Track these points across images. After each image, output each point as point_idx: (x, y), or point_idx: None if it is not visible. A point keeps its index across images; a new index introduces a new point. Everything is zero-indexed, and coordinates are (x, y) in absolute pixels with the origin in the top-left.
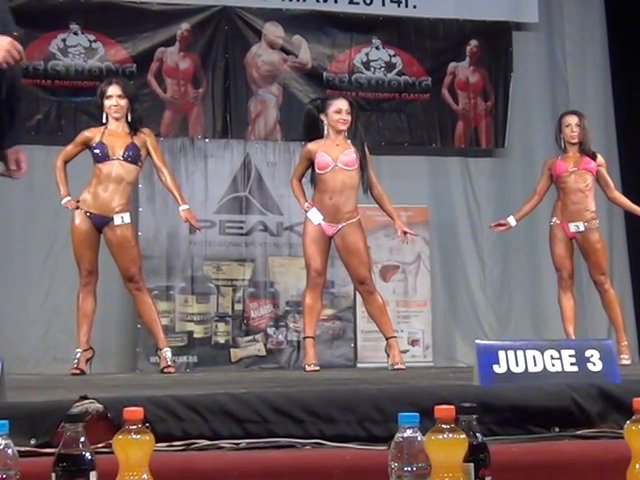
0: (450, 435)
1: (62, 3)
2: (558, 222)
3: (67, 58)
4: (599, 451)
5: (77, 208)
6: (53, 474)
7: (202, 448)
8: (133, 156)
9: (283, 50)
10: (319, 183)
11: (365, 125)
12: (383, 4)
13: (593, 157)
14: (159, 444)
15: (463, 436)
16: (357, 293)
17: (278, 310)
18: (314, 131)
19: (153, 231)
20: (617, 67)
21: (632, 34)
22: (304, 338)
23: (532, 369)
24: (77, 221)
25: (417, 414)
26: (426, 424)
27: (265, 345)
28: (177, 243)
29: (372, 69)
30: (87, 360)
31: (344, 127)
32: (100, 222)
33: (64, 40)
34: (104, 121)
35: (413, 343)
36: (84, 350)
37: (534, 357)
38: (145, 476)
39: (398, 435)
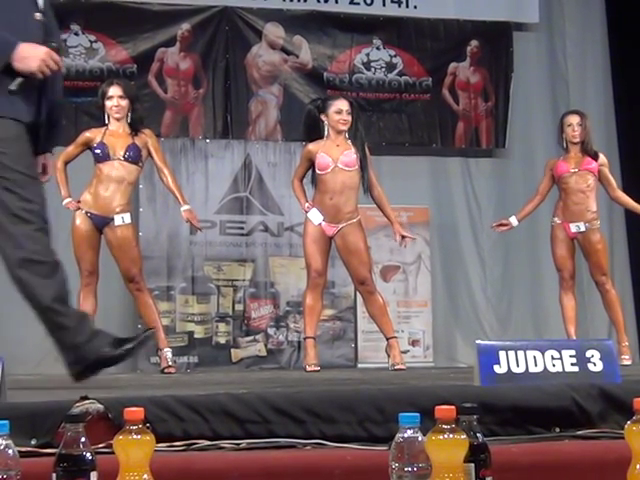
0: (451, 435)
1: (63, 3)
2: (559, 222)
3: (68, 58)
4: (600, 451)
5: (78, 209)
6: (54, 474)
7: (203, 448)
8: (134, 156)
9: (284, 50)
10: (319, 183)
11: (366, 125)
12: (384, 4)
13: (595, 157)
14: (160, 444)
15: (464, 436)
16: (357, 293)
17: (279, 310)
18: (314, 132)
19: (154, 231)
20: (618, 67)
21: (633, 34)
22: (305, 338)
23: (533, 369)
24: (78, 221)
25: (418, 414)
26: (427, 424)
27: (266, 345)
28: (178, 243)
29: (373, 69)
30: None
31: (344, 127)
32: (101, 222)
33: (65, 40)
34: (105, 122)
35: (414, 343)
36: None
37: (535, 357)
38: (146, 476)
39: (399, 435)
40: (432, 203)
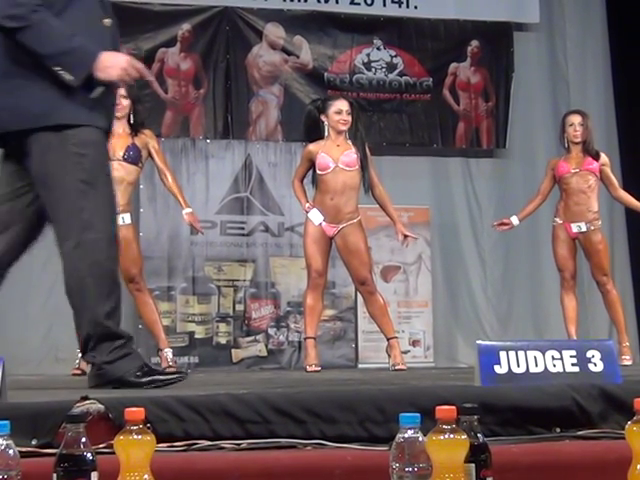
0: (451, 436)
1: None
2: (560, 222)
3: None
4: (600, 452)
5: None
6: (54, 474)
7: (203, 449)
8: (133, 157)
9: (284, 51)
10: (320, 184)
11: (366, 126)
12: (384, 5)
13: (596, 157)
14: (160, 444)
15: (464, 437)
16: (358, 294)
17: (279, 311)
18: (315, 132)
19: (154, 232)
20: (618, 67)
21: (633, 34)
22: (305, 339)
23: (533, 369)
24: None
25: (418, 415)
26: (427, 425)
27: (266, 346)
28: (178, 244)
29: (373, 70)
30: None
31: (345, 127)
32: None
33: None
34: None
35: (414, 344)
36: None
37: (535, 358)
38: (146, 476)
39: (399, 436)
40: (432, 203)
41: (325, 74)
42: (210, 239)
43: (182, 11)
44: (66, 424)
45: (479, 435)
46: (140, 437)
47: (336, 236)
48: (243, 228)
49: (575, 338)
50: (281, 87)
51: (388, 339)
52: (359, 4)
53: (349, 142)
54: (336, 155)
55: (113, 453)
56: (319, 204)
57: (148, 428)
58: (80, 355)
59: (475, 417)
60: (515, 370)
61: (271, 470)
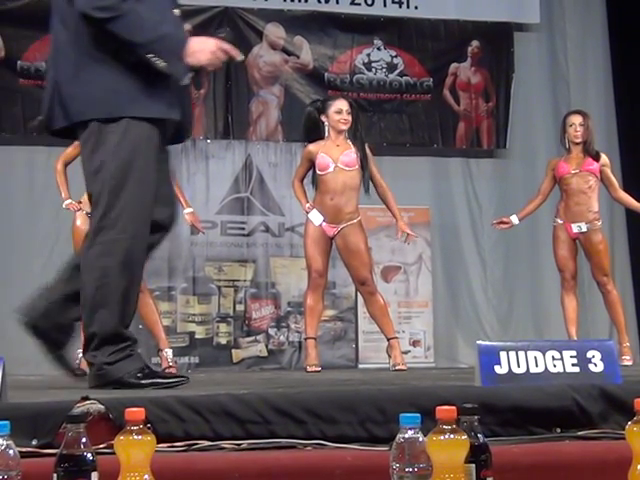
0: (451, 436)
1: None
2: (561, 223)
3: None
4: (600, 452)
5: (79, 210)
6: (54, 475)
7: (203, 449)
8: None
9: (284, 51)
10: (320, 184)
11: (366, 126)
12: (384, 5)
13: (597, 157)
14: (160, 445)
15: (464, 437)
16: (358, 294)
17: (279, 311)
18: (315, 132)
19: None
20: (618, 67)
21: (633, 34)
22: (305, 339)
23: (533, 370)
24: (78, 222)
25: (418, 415)
26: (427, 425)
27: (266, 346)
28: (179, 244)
29: (373, 70)
30: None
31: (345, 127)
32: None
33: None
34: None
35: (414, 344)
36: None
37: (535, 358)
38: (146, 477)
39: (399, 436)
40: (433, 203)
41: (325, 74)
42: (210, 239)
43: (182, 11)
44: (66, 424)
45: (479, 435)
46: (140, 437)
47: (336, 236)
48: (243, 228)
49: (575, 338)
50: (281, 87)
51: (388, 339)
52: (359, 4)
53: (349, 142)
54: (336, 155)
55: (113, 453)
56: (319, 204)
57: (148, 428)
58: (80, 355)
59: (475, 417)
60: (515, 370)
61: (271, 470)
